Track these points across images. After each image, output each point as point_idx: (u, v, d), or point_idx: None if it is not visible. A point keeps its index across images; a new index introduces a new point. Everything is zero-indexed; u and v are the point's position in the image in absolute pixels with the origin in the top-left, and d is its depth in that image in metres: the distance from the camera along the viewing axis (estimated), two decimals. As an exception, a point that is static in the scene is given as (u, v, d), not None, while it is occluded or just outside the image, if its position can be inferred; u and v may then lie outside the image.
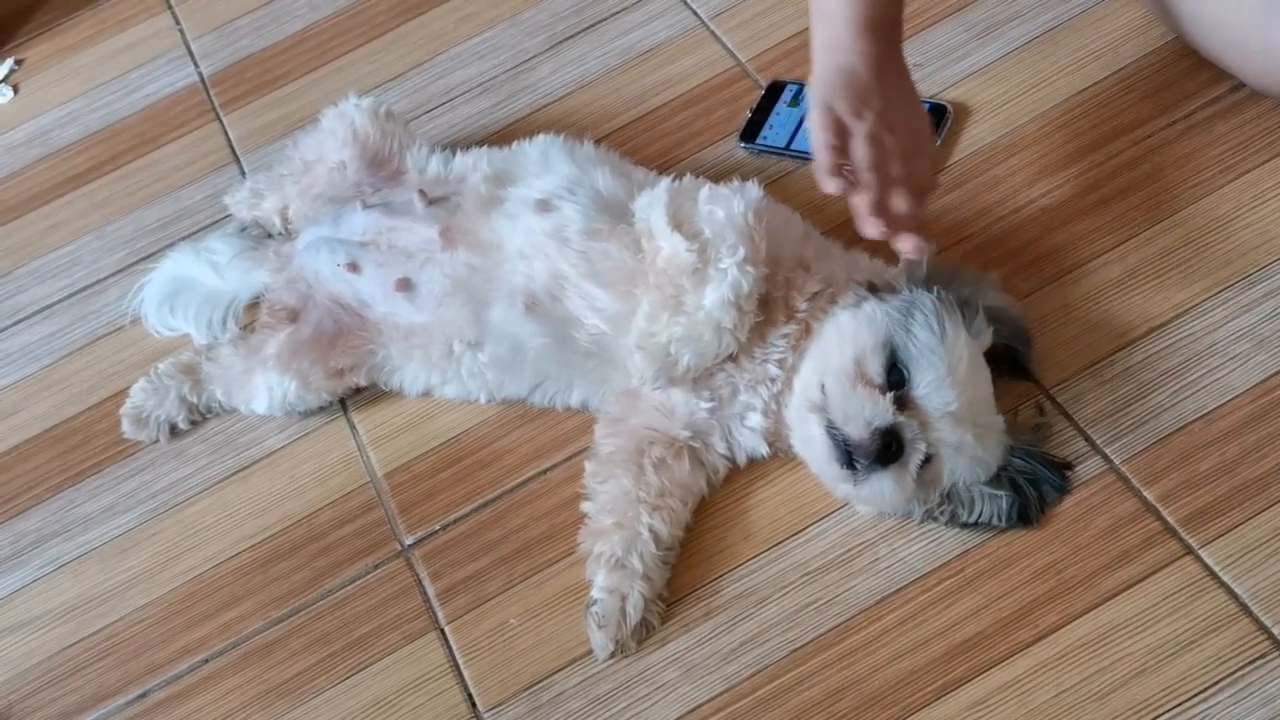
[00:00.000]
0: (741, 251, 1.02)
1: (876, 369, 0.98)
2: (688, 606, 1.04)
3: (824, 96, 1.02)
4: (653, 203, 1.08)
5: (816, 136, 1.00)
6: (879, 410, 0.96)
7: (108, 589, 1.17)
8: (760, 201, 1.06)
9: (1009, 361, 1.07)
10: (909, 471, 0.97)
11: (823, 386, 1.00)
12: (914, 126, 1.06)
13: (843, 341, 1.00)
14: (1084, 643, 0.95)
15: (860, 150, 1.00)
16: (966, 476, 1.00)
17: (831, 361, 1.00)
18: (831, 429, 0.98)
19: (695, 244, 1.03)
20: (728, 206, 1.04)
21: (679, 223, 1.05)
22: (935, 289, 1.01)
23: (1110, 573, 0.98)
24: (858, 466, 0.97)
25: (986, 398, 1.00)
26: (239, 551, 1.17)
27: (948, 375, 0.97)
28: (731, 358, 1.04)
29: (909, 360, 0.98)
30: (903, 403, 0.97)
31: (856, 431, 0.97)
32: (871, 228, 0.99)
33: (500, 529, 1.12)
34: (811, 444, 1.01)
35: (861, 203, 1.00)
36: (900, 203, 1.01)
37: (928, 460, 0.98)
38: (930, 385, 0.97)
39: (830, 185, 0.99)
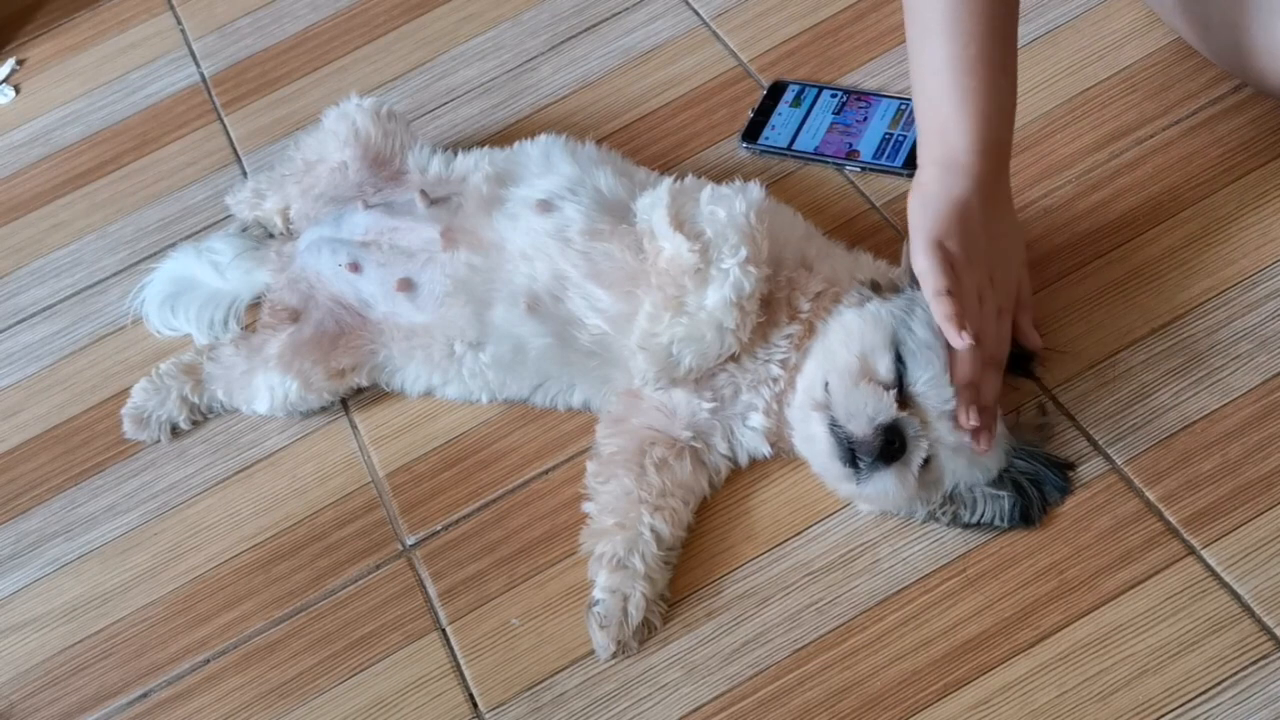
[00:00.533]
0: (743, 252, 1.02)
1: (884, 366, 0.98)
2: (689, 607, 1.04)
3: (936, 232, 0.96)
4: (654, 203, 1.08)
5: (932, 279, 0.94)
6: (882, 406, 0.96)
7: (109, 589, 1.17)
8: (762, 201, 1.06)
9: (1014, 359, 1.06)
10: (911, 470, 0.97)
11: (826, 385, 0.99)
12: (1009, 276, 1.00)
13: (849, 340, 1.00)
14: (1086, 643, 0.95)
15: (968, 308, 0.94)
16: (967, 477, 1.00)
17: (837, 359, 1.00)
18: (835, 427, 0.98)
19: (697, 244, 1.03)
20: (729, 206, 1.04)
21: (681, 223, 1.05)
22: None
23: (1112, 573, 0.98)
24: (860, 465, 0.97)
25: (989, 398, 1.00)
26: (240, 551, 1.17)
27: (945, 373, 0.97)
28: (733, 358, 1.04)
29: (908, 357, 0.98)
30: (902, 400, 0.97)
31: (859, 428, 0.96)
32: (973, 417, 0.94)
33: (502, 529, 1.12)
34: (814, 442, 1.01)
35: (958, 375, 0.95)
36: (989, 388, 0.96)
37: (927, 460, 0.97)
38: (929, 383, 0.97)
39: (962, 340, 0.92)
